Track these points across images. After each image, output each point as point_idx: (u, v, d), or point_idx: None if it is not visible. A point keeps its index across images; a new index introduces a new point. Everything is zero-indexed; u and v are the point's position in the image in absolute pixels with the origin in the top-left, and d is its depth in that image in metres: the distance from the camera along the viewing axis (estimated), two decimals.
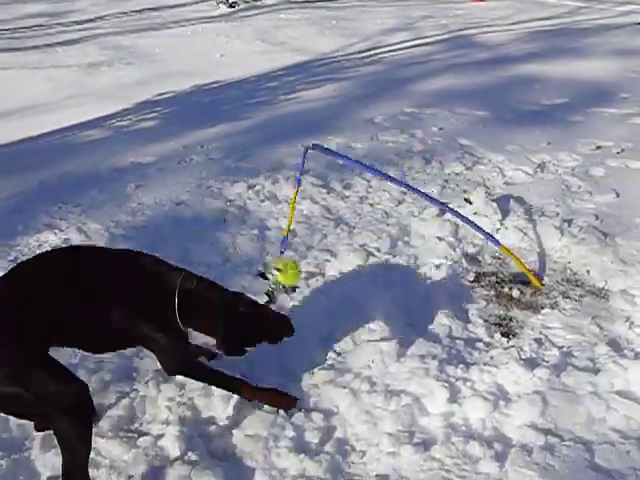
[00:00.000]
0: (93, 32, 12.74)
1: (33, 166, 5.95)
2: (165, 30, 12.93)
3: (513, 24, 12.64)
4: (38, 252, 4.47)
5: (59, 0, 16.48)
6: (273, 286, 3.37)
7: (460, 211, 4.68)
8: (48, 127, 7.19)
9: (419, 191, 4.26)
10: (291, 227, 3.95)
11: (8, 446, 2.99)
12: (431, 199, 4.36)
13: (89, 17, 14.32)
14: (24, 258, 4.43)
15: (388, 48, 10.76)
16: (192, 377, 3.13)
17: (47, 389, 2.53)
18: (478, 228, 4.22)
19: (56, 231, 4.79)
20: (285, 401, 3.16)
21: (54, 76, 9.61)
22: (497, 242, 4.21)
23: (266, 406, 3.12)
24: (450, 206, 4.48)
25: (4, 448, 2.97)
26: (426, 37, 11.53)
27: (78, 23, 13.69)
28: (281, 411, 3.09)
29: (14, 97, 8.42)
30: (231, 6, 15.15)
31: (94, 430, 2.78)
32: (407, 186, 4.36)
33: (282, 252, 3.65)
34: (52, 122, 7.32)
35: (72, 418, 2.56)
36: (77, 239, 4.64)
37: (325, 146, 4.18)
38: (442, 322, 3.71)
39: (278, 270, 3.27)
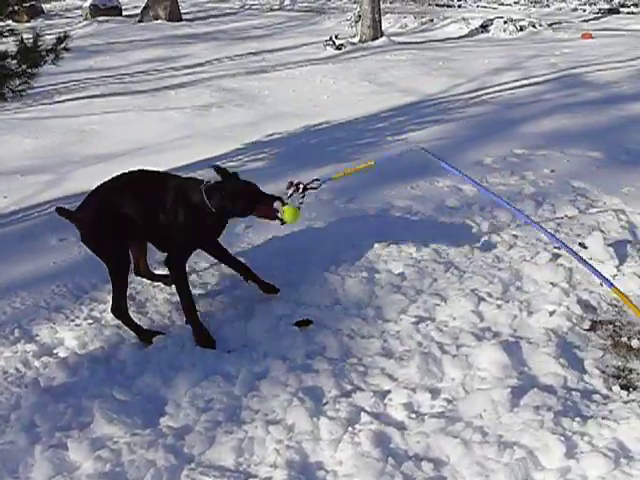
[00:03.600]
0: (203, 75, 13.16)
1: None
2: (273, 72, 13.23)
3: (625, 61, 12.29)
4: (151, 289, 4.66)
5: (172, 45, 17.18)
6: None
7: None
8: (162, 166, 7.41)
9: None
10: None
11: None
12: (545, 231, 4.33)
13: (199, 61, 14.82)
14: (138, 295, 4.59)
15: (496, 88, 10.64)
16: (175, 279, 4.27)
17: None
18: (592, 268, 4.10)
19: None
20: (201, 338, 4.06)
21: (168, 117, 9.98)
22: (610, 284, 4.06)
23: (375, 452, 3.08)
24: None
25: None
26: (535, 76, 11.34)
27: (189, 67, 14.19)
28: (390, 459, 3.04)
29: (132, 138, 8.77)
30: (338, 48, 15.38)
31: None
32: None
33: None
34: (166, 162, 7.55)
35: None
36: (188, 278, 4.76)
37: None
38: (556, 372, 3.58)
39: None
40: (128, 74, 13.71)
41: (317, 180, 4.28)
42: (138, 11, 23.96)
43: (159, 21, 22.62)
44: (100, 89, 12.36)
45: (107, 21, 23.12)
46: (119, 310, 4.18)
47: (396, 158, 5.18)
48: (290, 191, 4.14)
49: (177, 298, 4.48)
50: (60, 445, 3.29)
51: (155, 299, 4.55)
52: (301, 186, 4.16)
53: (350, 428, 3.25)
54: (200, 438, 3.28)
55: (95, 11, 23.97)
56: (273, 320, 4.22)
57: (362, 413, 3.34)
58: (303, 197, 4.16)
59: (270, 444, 3.22)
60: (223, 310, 4.39)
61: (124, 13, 24.94)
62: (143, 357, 3.93)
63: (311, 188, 4.22)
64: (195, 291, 4.59)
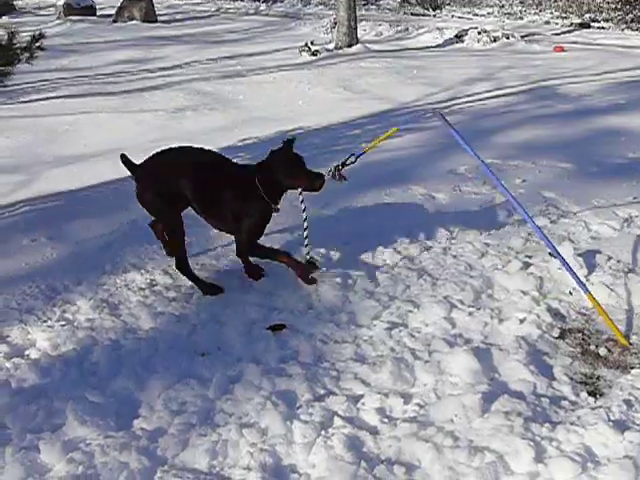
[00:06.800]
0: (178, 78, 13.12)
1: (121, 206, 6.13)
2: (248, 77, 13.23)
3: (597, 74, 12.49)
4: (125, 292, 4.65)
5: (146, 46, 17.13)
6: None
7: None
8: None
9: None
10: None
11: None
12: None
13: (174, 64, 14.78)
14: (111, 298, 4.58)
15: (469, 98, 10.77)
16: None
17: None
18: (572, 273, 4.19)
19: (142, 271, 4.92)
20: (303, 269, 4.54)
21: (142, 120, 9.95)
22: (586, 290, 4.14)
23: (347, 456, 3.11)
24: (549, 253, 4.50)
25: None
26: (507, 87, 11.48)
27: (164, 69, 14.15)
28: (363, 462, 3.08)
29: (105, 139, 8.73)
30: (313, 54, 15.43)
31: None
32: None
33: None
34: None
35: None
36: (162, 281, 4.77)
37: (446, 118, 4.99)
38: (526, 378, 3.64)
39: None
40: (102, 75, 13.63)
41: (352, 155, 4.75)
42: (113, 11, 23.83)
43: (134, 22, 22.53)
44: (73, 89, 12.28)
45: (81, 20, 22.97)
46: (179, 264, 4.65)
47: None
48: (330, 173, 4.70)
49: (150, 300, 4.51)
50: (31, 447, 3.27)
51: (129, 302, 4.54)
52: (340, 166, 4.69)
53: (323, 432, 3.28)
54: (174, 441, 3.28)
55: (69, 10, 23.79)
56: (247, 324, 4.24)
57: (335, 417, 3.37)
58: (342, 168, 4.71)
59: (244, 447, 3.23)
60: (197, 313, 4.39)
61: (98, 13, 24.77)
62: (116, 359, 3.92)
63: (350, 163, 4.71)
64: (169, 294, 4.61)
